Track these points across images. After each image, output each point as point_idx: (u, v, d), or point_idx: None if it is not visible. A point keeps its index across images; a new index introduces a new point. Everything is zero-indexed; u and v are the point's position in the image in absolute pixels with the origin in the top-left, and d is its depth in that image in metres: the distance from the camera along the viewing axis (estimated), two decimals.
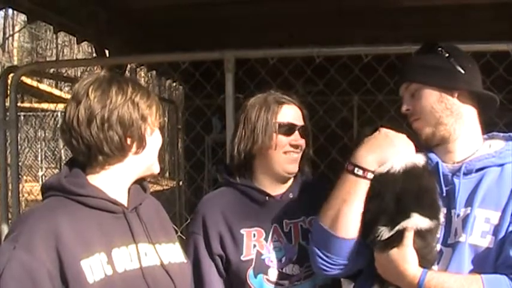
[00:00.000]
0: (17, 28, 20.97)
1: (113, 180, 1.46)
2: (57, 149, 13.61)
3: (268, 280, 1.72)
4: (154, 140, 1.51)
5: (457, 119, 1.58)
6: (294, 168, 1.80)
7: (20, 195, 3.10)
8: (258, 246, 1.74)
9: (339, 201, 1.55)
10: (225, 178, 1.86)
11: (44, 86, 12.42)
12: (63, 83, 17.11)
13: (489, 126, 1.67)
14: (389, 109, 2.70)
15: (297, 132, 1.78)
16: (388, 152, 1.54)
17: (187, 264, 1.60)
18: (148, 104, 1.47)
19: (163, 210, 1.67)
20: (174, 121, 7.09)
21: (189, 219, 2.52)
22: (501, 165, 1.53)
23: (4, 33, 22.43)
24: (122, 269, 1.38)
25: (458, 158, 1.59)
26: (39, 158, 13.52)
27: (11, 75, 2.89)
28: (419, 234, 1.47)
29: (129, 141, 1.44)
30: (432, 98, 1.58)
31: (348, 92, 3.00)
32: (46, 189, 1.45)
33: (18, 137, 2.98)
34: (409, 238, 1.46)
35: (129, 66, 5.08)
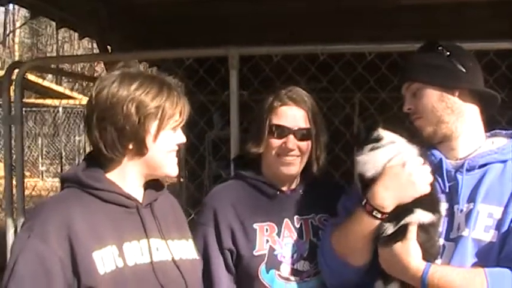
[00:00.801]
0: (18, 24, 20.93)
1: (127, 177, 1.47)
2: (57, 145, 13.62)
3: (279, 276, 1.72)
4: (162, 141, 1.46)
5: (459, 117, 1.60)
6: (289, 170, 1.76)
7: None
8: (270, 241, 1.74)
9: (355, 237, 1.57)
10: (236, 171, 1.86)
11: (45, 82, 12.43)
12: (63, 79, 17.12)
13: (492, 124, 1.69)
14: (392, 106, 2.72)
15: (291, 136, 1.74)
16: (409, 193, 1.51)
17: (199, 261, 1.61)
18: (158, 104, 1.43)
19: (179, 207, 1.68)
20: None
21: (193, 214, 2.54)
22: (504, 161, 1.56)
23: (5, 29, 22.40)
24: (132, 263, 1.40)
25: (461, 154, 1.61)
26: (40, 154, 13.53)
27: (16, 70, 2.90)
28: (422, 228, 1.50)
29: (126, 142, 1.42)
30: (433, 97, 1.60)
31: (351, 89, 3.01)
32: (63, 181, 1.48)
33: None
34: (412, 232, 1.49)
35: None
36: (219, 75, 2.74)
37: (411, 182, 1.51)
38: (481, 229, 1.49)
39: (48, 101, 11.80)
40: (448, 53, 1.61)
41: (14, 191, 2.90)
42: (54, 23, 4.64)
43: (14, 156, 2.88)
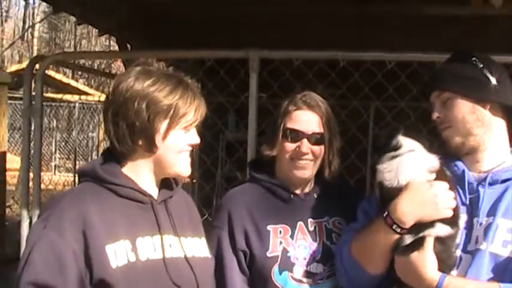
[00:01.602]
0: (38, 18, 21.18)
1: (140, 173, 1.48)
2: (71, 141, 13.73)
3: (292, 278, 1.73)
4: (172, 141, 1.45)
5: (487, 130, 1.59)
6: (303, 174, 1.78)
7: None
8: (284, 243, 1.75)
9: (373, 247, 1.57)
10: (251, 174, 1.88)
11: (60, 76, 12.56)
12: (79, 74, 17.27)
13: None
14: (409, 115, 2.71)
15: (305, 140, 1.76)
16: (430, 213, 1.50)
17: (211, 259, 1.61)
18: (170, 103, 1.42)
19: (194, 206, 1.69)
20: None
21: (206, 214, 2.55)
22: None
23: (24, 22, 22.68)
24: (144, 258, 1.40)
25: (485, 167, 1.60)
26: (53, 149, 13.64)
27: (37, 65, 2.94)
28: (439, 239, 1.50)
29: (136, 138, 1.43)
30: (464, 109, 1.58)
31: (368, 96, 3.01)
32: (80, 175, 1.50)
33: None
34: (429, 243, 1.48)
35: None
36: (239, 77, 2.75)
37: (435, 203, 1.50)
38: (499, 243, 1.48)
39: (68, 96, 11.90)
40: (482, 65, 1.59)
41: (31, 183, 2.93)
42: (72, 19, 4.69)
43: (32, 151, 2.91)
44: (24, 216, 2.84)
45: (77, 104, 12.74)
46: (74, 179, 7.13)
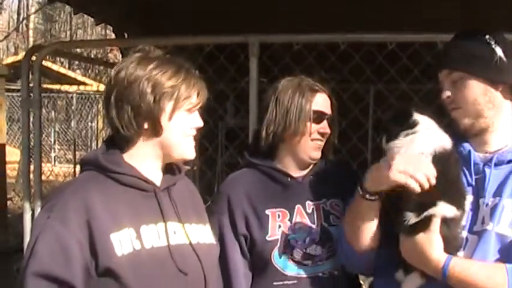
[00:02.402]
0: (32, 9, 21.01)
1: (145, 159, 1.48)
2: (70, 131, 13.71)
3: (292, 260, 1.75)
4: (177, 122, 1.46)
5: (497, 112, 1.55)
6: (318, 155, 1.84)
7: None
8: (283, 226, 1.77)
9: (355, 222, 1.60)
10: (247, 159, 1.89)
11: (57, 67, 12.49)
12: (76, 64, 17.18)
13: None
14: (411, 97, 2.69)
15: (325, 121, 1.82)
16: (382, 174, 1.49)
17: (215, 246, 1.62)
18: (174, 84, 1.44)
19: (197, 192, 1.69)
20: None
21: (209, 202, 2.54)
22: None
23: (18, 14, 22.50)
24: (149, 245, 1.41)
25: (491, 148, 1.57)
26: (52, 140, 13.62)
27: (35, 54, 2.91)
28: (445, 220, 1.48)
29: (141, 121, 1.43)
30: (476, 90, 1.53)
31: (370, 79, 2.98)
32: (83, 164, 1.50)
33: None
34: (435, 224, 1.47)
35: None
36: (238, 63, 2.73)
37: (388, 165, 1.47)
38: (506, 224, 1.47)
39: (66, 87, 11.84)
40: (496, 44, 1.53)
41: (31, 175, 2.92)
42: (68, 9, 4.65)
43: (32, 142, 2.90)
44: (26, 208, 2.85)
45: (74, 94, 12.70)
46: (75, 170, 7.13)
